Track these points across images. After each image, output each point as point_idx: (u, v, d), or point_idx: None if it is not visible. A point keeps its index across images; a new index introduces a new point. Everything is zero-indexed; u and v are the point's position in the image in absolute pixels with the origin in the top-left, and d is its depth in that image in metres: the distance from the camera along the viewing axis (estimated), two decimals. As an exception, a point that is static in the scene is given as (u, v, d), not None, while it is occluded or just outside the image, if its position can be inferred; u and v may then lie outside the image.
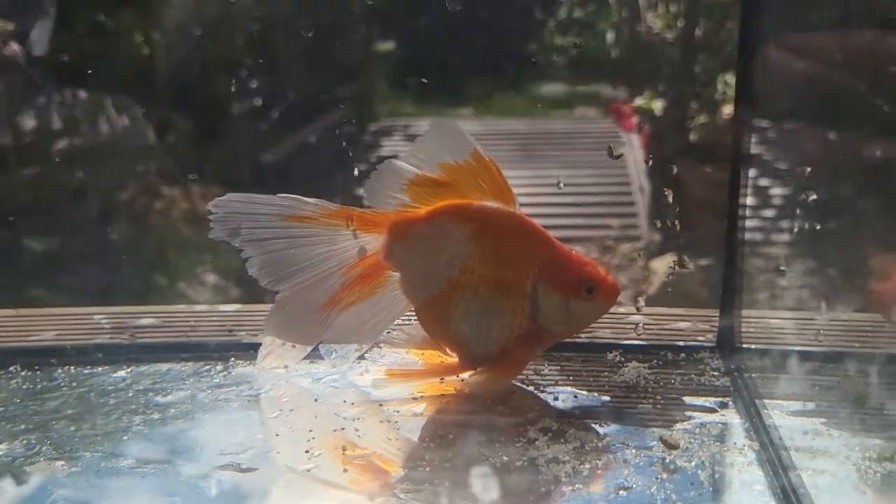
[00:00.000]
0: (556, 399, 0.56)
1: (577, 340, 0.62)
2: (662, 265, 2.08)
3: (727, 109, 2.08)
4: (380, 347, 0.58)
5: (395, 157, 0.54)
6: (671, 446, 0.50)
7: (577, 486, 0.46)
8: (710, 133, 2.22)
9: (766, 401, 0.53)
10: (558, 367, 0.60)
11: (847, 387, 0.52)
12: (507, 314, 0.54)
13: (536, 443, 0.50)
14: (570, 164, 2.41)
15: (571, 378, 0.59)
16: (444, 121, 0.54)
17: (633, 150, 2.43)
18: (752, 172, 0.61)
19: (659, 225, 2.05)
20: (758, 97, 0.60)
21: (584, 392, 0.57)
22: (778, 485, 0.46)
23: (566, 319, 0.55)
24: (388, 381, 0.56)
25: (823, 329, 0.58)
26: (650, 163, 2.37)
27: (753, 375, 0.56)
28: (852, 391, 0.51)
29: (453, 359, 0.57)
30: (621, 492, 0.46)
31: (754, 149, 0.61)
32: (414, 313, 0.56)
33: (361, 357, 0.58)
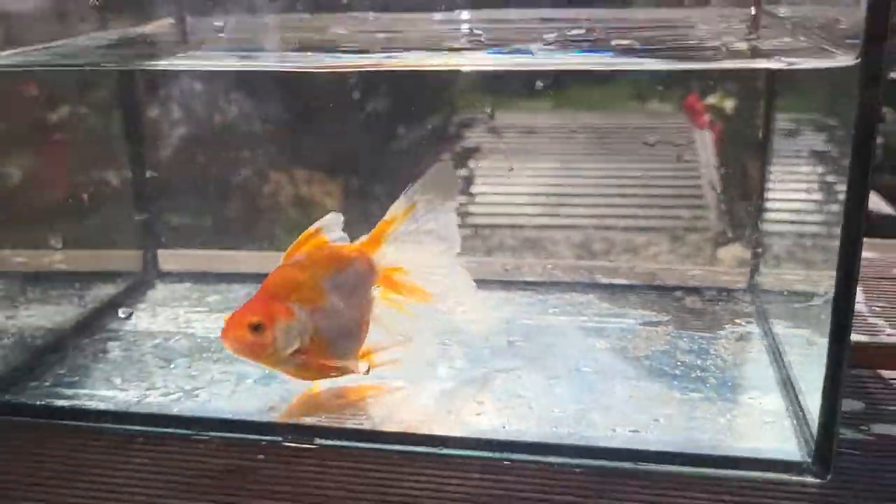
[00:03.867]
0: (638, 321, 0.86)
1: (657, 283, 0.93)
2: (727, 253, 2.34)
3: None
4: None
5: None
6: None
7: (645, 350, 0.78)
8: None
9: (775, 320, 0.82)
10: (640, 299, 0.91)
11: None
12: None
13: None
14: (642, 158, 2.65)
15: (650, 305, 0.89)
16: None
17: (706, 146, 2.67)
18: (777, 154, 0.88)
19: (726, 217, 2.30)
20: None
21: (655, 313, 0.87)
22: (775, 361, 0.76)
23: None
24: None
25: (824, 278, 0.87)
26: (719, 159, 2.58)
27: (768, 306, 0.86)
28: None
29: None
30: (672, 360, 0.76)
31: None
32: None
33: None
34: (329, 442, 0.67)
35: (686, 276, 0.95)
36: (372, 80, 0.92)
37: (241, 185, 1.02)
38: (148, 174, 0.95)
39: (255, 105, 0.96)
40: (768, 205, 0.89)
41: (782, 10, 0.84)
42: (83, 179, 0.90)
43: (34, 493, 0.62)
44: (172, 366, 0.78)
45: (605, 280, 0.94)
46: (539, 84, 0.88)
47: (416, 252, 0.68)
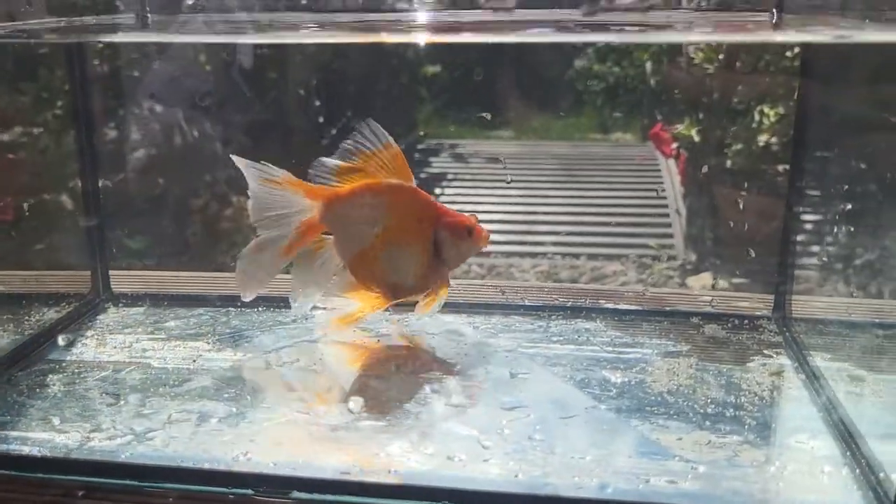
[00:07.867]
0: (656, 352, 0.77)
1: (668, 308, 0.83)
2: (697, 282, 2.26)
3: (762, 138, 2.26)
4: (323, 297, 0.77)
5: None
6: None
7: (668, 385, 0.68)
8: (746, 159, 2.38)
9: (809, 350, 0.74)
10: (653, 327, 0.82)
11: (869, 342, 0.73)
12: (417, 255, 0.75)
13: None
14: (609, 187, 2.58)
15: (666, 334, 0.80)
16: (368, 120, 0.73)
17: (671, 174, 2.62)
18: (802, 182, 0.81)
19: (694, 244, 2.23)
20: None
21: (672, 342, 0.78)
22: (818, 398, 0.67)
23: (456, 254, 0.76)
24: (337, 327, 0.78)
25: (851, 305, 0.79)
26: (686, 187, 2.53)
27: (800, 335, 0.77)
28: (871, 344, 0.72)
29: (379, 294, 0.77)
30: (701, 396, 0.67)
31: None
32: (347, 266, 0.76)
33: (315, 307, 0.78)
34: (306, 495, 0.56)
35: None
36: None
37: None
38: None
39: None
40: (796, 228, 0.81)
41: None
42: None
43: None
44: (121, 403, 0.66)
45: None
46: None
47: None
